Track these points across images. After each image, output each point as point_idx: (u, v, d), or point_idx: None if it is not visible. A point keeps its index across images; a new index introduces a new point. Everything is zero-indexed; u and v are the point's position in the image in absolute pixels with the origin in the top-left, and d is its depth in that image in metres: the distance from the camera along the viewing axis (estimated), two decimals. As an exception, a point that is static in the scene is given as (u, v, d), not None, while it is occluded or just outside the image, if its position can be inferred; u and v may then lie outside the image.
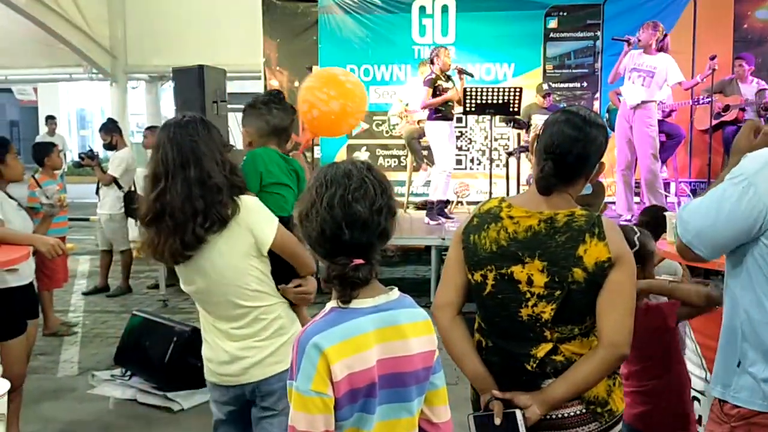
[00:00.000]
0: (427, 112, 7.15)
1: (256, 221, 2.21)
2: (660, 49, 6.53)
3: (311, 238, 1.42)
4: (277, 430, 2.26)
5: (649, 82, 6.36)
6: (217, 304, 2.27)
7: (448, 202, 8.07)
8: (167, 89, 11.88)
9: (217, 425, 2.41)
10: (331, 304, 1.41)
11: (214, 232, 2.14)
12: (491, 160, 7.26)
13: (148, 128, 7.95)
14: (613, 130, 7.99)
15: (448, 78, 6.98)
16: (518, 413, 1.74)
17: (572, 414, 1.79)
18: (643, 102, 6.40)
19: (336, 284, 1.39)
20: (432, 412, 1.51)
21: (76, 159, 7.51)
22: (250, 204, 2.23)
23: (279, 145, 2.74)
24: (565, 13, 8.58)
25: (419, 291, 6.02)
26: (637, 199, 7.31)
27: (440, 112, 6.94)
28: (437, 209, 7.18)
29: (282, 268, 2.34)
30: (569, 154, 1.80)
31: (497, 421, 1.73)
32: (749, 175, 1.66)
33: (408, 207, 8.21)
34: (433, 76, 6.86)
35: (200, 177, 2.13)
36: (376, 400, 1.37)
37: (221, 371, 2.30)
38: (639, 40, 6.42)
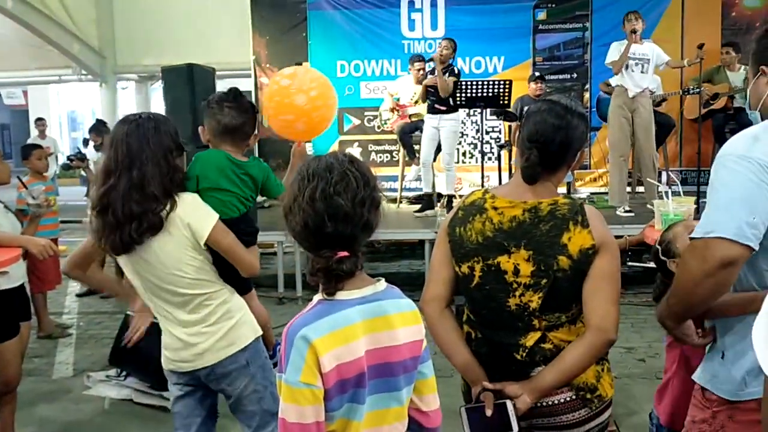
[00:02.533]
0: (420, 106, 7.24)
1: (192, 215, 2.29)
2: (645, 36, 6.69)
3: (295, 231, 1.43)
4: (254, 405, 2.41)
5: (647, 68, 6.55)
6: (161, 294, 2.35)
7: (439, 195, 8.09)
8: (157, 89, 11.84)
9: (176, 403, 2.50)
10: (318, 296, 1.42)
11: (148, 236, 2.23)
12: (483, 153, 7.26)
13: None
14: (604, 120, 8.03)
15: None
16: (509, 404, 1.76)
17: (562, 401, 1.81)
18: (643, 89, 6.57)
19: (321, 277, 1.40)
20: (421, 400, 1.53)
21: (67, 155, 7.49)
22: (187, 200, 2.32)
23: (234, 145, 2.70)
24: (553, 5, 8.60)
25: (414, 285, 6.01)
26: (628, 189, 7.34)
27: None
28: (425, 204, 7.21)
29: (227, 266, 2.42)
30: (552, 142, 1.82)
31: (488, 412, 1.75)
32: (739, 154, 1.61)
33: (401, 201, 8.21)
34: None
35: (140, 181, 2.21)
36: (366, 390, 1.39)
37: (176, 357, 2.39)
38: (636, 31, 6.49)
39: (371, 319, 1.41)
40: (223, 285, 2.42)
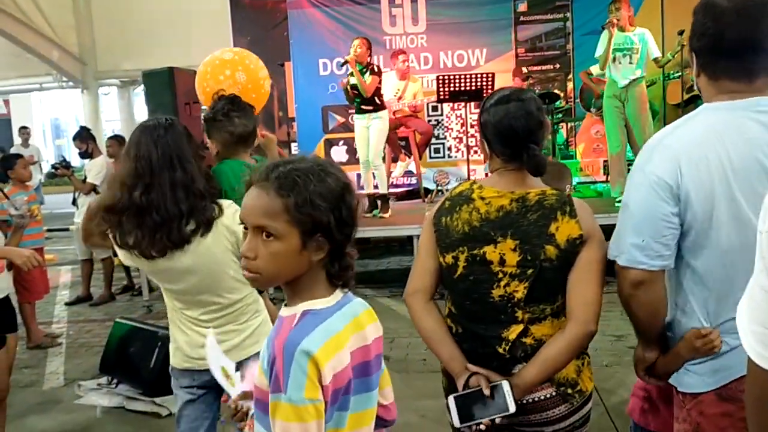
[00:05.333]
0: (399, 104, 7.17)
1: (236, 223, 2.28)
2: (632, 24, 6.49)
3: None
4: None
5: (635, 59, 6.34)
6: (198, 299, 2.32)
7: (426, 190, 8.11)
8: (140, 93, 11.77)
9: (185, 406, 2.44)
10: (302, 307, 1.36)
11: (200, 235, 2.21)
12: (468, 147, 7.27)
13: (112, 137, 7.85)
14: (587, 109, 8.07)
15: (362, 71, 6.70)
16: (505, 384, 1.73)
17: (543, 398, 1.80)
18: (635, 79, 6.37)
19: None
20: (381, 394, 1.50)
21: (52, 164, 7.44)
22: (229, 207, 2.32)
23: (246, 150, 2.82)
24: (534, -4, 8.61)
25: (404, 282, 6.02)
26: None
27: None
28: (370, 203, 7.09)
29: None
30: (536, 134, 1.83)
31: (486, 392, 1.71)
32: (639, 166, 1.67)
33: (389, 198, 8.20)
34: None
35: (184, 180, 2.19)
36: (350, 395, 1.37)
37: (196, 355, 2.33)
38: (618, 20, 6.37)
39: (350, 323, 1.38)
40: (251, 287, 2.40)
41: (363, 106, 6.78)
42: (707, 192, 1.56)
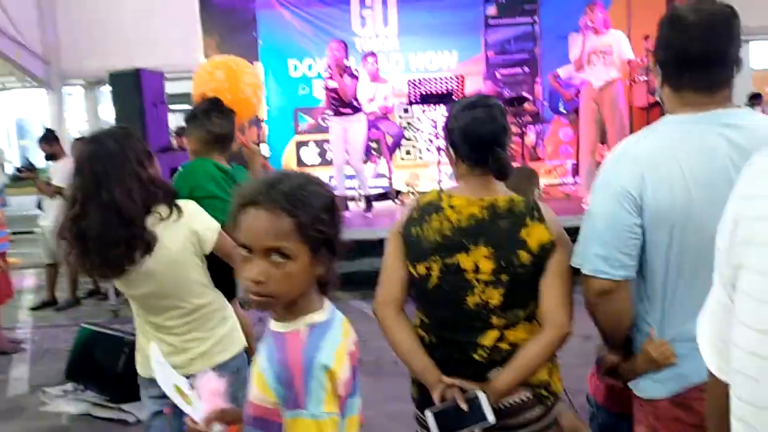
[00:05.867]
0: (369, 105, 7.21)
1: (198, 224, 2.26)
2: (607, 27, 6.56)
3: None
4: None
5: (609, 60, 6.39)
6: (161, 304, 2.28)
7: (397, 191, 8.13)
8: (106, 94, 11.58)
9: (153, 418, 2.39)
10: (305, 321, 1.34)
11: (142, 256, 2.15)
12: (439, 149, 7.30)
13: (78, 139, 7.73)
14: (555, 112, 8.17)
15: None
16: (481, 395, 1.72)
17: (519, 401, 1.82)
18: (609, 81, 6.41)
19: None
20: None
21: (16, 167, 7.29)
22: (191, 208, 2.28)
23: (222, 152, 2.83)
24: (502, 0, 8.68)
25: (375, 284, 6.02)
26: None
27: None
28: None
29: (219, 272, 2.39)
30: (501, 138, 1.86)
31: (464, 407, 1.71)
32: (603, 178, 1.70)
33: (360, 200, 8.21)
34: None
35: (115, 204, 2.09)
36: (347, 399, 1.37)
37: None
38: (592, 22, 6.45)
39: (342, 329, 1.37)
40: (218, 292, 2.40)
41: (341, 109, 6.80)
42: (668, 203, 1.59)
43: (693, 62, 1.61)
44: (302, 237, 1.26)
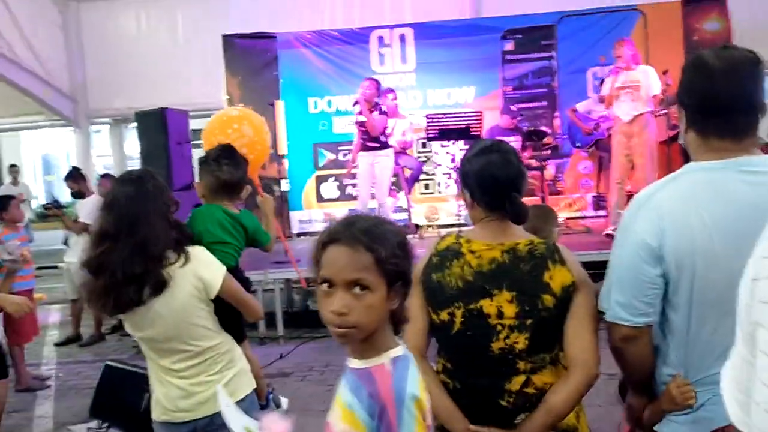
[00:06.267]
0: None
1: (204, 269, 2.31)
2: (638, 62, 6.66)
3: None
4: None
5: (636, 95, 6.50)
6: (167, 347, 2.33)
7: (417, 225, 8.17)
8: (131, 130, 11.82)
9: None
10: (387, 356, 1.38)
11: (151, 295, 2.21)
12: (458, 184, 7.33)
13: (103, 176, 7.91)
14: (574, 146, 8.19)
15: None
16: None
17: None
18: (637, 115, 6.52)
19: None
20: None
21: (42, 204, 7.45)
22: (198, 254, 2.32)
23: (230, 199, 2.87)
24: (520, 36, 8.78)
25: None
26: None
27: None
28: None
29: (228, 315, 2.44)
30: (517, 183, 1.87)
31: None
32: (625, 225, 1.72)
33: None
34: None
35: (143, 242, 2.19)
36: None
37: (173, 407, 2.35)
38: (619, 57, 6.57)
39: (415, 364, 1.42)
40: (226, 335, 2.43)
41: (368, 143, 6.91)
42: (688, 253, 1.60)
43: (719, 108, 1.62)
44: (380, 270, 1.34)
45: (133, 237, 2.17)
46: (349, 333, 1.33)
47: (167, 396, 2.36)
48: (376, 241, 1.33)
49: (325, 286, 1.34)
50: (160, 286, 2.21)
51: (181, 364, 2.33)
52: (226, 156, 2.90)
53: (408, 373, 1.35)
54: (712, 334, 1.62)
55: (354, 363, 1.40)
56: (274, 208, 3.47)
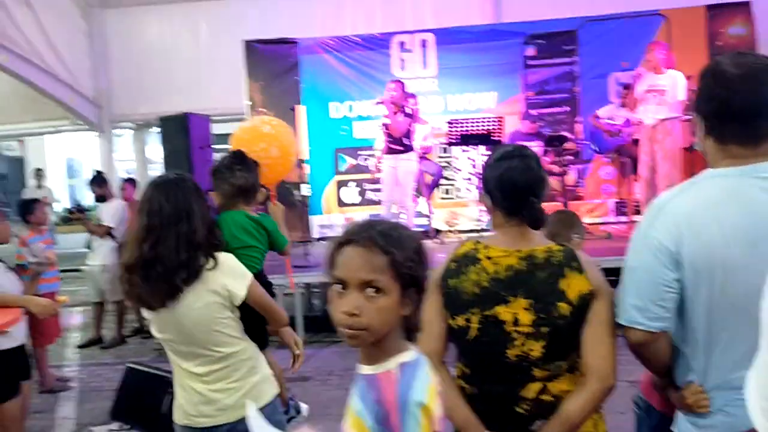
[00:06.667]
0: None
1: (229, 276, 2.32)
2: (669, 66, 6.67)
3: None
4: None
5: (661, 100, 6.54)
6: (188, 351, 2.34)
7: (437, 230, 8.15)
8: (154, 135, 11.94)
9: None
10: (396, 361, 1.37)
11: (189, 284, 2.24)
12: (479, 189, 7.31)
13: (126, 180, 8.00)
14: (597, 152, 8.13)
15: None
16: None
17: None
18: (662, 120, 6.55)
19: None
20: None
21: (66, 208, 7.54)
22: (225, 260, 2.34)
23: (247, 203, 2.91)
24: (542, 41, 8.75)
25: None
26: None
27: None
28: None
29: (252, 321, 2.45)
30: (537, 188, 1.87)
31: None
32: (641, 230, 1.71)
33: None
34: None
35: (188, 233, 2.24)
36: None
37: (195, 412, 2.36)
38: (649, 60, 6.60)
39: (428, 370, 1.40)
40: (249, 342, 2.44)
41: (392, 146, 6.93)
42: (707, 259, 1.59)
43: (737, 115, 1.62)
44: (394, 274, 1.33)
45: (178, 227, 2.23)
46: (360, 335, 1.32)
47: (189, 401, 2.37)
48: (392, 244, 1.33)
49: (338, 286, 1.34)
50: (197, 275, 2.24)
51: (202, 368, 2.34)
52: (237, 162, 2.95)
53: (416, 378, 1.33)
54: (730, 340, 1.61)
55: (364, 369, 1.39)
56: (284, 215, 3.49)
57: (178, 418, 2.43)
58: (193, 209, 2.28)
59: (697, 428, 1.69)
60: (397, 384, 1.33)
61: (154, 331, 2.39)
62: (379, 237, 1.34)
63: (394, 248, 1.33)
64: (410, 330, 1.42)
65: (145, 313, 2.36)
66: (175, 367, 2.42)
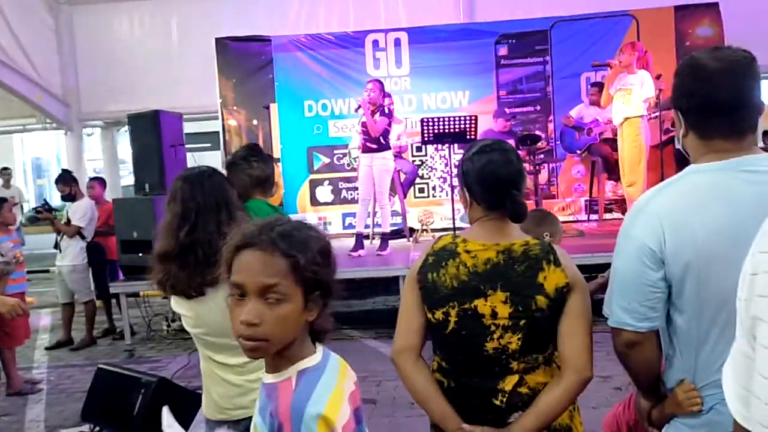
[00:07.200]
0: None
1: None
2: (642, 67, 6.86)
3: None
4: None
5: (627, 99, 6.74)
6: (222, 342, 2.30)
7: (411, 229, 8.16)
8: (123, 133, 11.76)
9: None
10: (295, 369, 1.30)
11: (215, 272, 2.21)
12: (452, 187, 7.34)
13: (94, 179, 7.87)
14: (568, 151, 8.23)
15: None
16: None
17: None
18: (626, 118, 6.77)
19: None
20: None
21: (33, 208, 7.40)
22: None
23: (264, 194, 2.96)
24: (513, 41, 8.81)
25: (390, 322, 6.00)
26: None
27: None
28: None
29: None
30: (518, 181, 1.88)
31: None
32: (625, 229, 1.71)
33: (373, 238, 8.23)
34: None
35: (228, 220, 2.25)
36: None
37: (230, 405, 2.32)
38: (620, 62, 6.73)
39: (339, 373, 1.33)
40: None
41: (368, 144, 6.94)
42: (691, 255, 1.59)
43: (720, 109, 1.61)
44: (297, 278, 1.25)
45: (219, 214, 2.25)
46: (260, 347, 1.24)
47: (224, 395, 2.34)
48: (294, 246, 1.25)
49: (236, 294, 1.26)
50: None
51: (235, 359, 2.31)
52: (253, 154, 3.02)
53: (314, 388, 1.24)
54: (719, 337, 1.60)
55: (266, 377, 1.32)
56: None
57: (211, 413, 2.39)
58: (230, 198, 2.32)
59: (689, 428, 1.68)
60: (293, 394, 1.25)
61: (187, 326, 2.36)
62: (279, 239, 1.26)
63: (296, 251, 1.25)
64: (318, 333, 1.35)
65: (177, 307, 2.33)
66: (207, 362, 2.39)
